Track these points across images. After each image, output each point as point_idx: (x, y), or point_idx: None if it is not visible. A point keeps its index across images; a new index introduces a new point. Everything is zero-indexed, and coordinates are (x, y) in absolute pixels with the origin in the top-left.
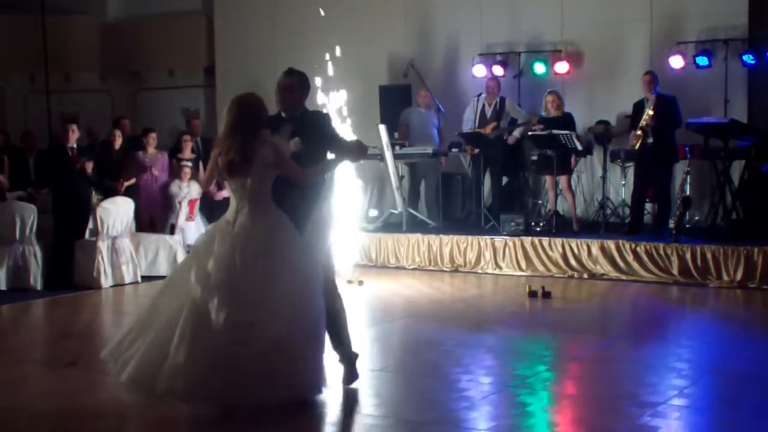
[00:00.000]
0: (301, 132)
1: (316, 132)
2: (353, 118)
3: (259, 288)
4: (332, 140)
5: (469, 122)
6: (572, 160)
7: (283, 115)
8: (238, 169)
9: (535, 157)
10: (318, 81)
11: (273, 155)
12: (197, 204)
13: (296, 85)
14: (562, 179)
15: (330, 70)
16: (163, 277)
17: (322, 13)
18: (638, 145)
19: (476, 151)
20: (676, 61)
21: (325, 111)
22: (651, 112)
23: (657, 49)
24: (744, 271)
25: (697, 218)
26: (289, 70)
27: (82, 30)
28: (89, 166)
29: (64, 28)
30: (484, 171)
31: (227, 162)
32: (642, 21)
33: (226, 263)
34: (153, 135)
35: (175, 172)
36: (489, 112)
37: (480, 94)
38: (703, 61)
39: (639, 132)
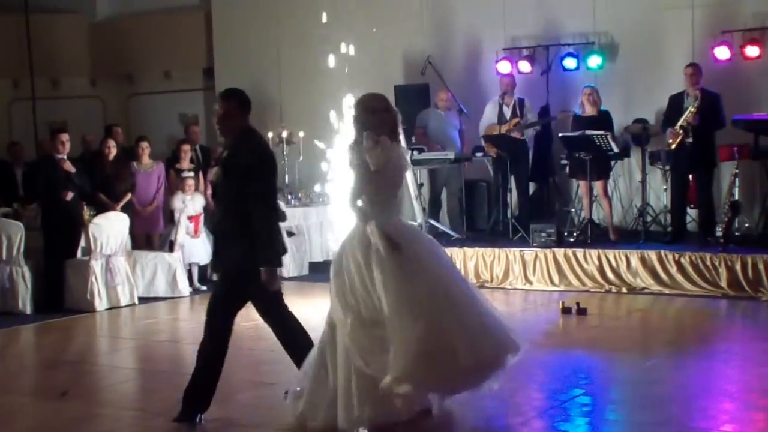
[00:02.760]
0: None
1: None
2: None
3: None
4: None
5: (487, 123)
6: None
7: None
8: None
9: (564, 161)
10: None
11: None
12: (201, 218)
13: (220, 106)
14: (598, 184)
15: (338, 68)
16: (161, 299)
17: (324, 19)
18: (675, 144)
19: (497, 152)
20: (722, 52)
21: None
22: (693, 110)
23: (700, 39)
24: None
25: (747, 225)
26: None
27: (69, 30)
28: (68, 196)
29: (49, 28)
30: (510, 177)
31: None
32: (683, 8)
33: None
34: (145, 144)
35: (174, 185)
36: (508, 113)
37: (504, 93)
38: (752, 51)
39: (679, 130)
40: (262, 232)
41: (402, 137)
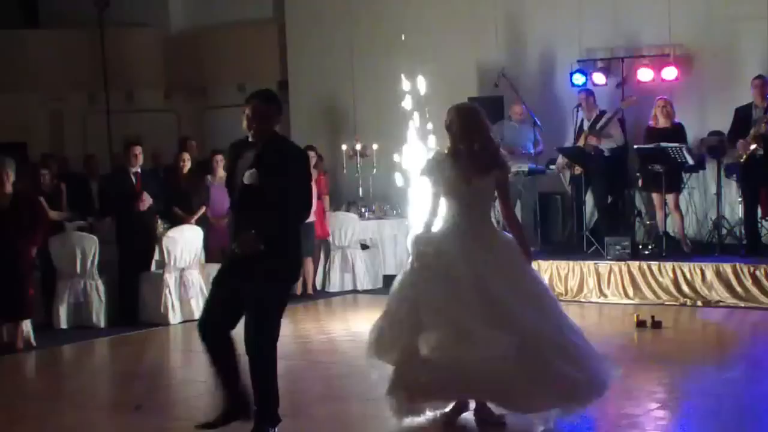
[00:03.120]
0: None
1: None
2: (441, 134)
3: None
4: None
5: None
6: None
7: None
8: None
9: (639, 173)
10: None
11: None
12: None
13: (257, 107)
14: (670, 197)
15: (413, 81)
16: None
17: (403, 37)
18: (746, 156)
19: (578, 169)
20: None
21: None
22: (765, 122)
23: None
24: None
25: None
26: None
27: (143, 43)
28: (145, 203)
29: (124, 41)
30: (585, 189)
31: None
32: (760, 18)
33: None
34: (219, 157)
35: None
36: (587, 127)
37: (579, 105)
38: None
39: (751, 141)
40: (278, 230)
41: None
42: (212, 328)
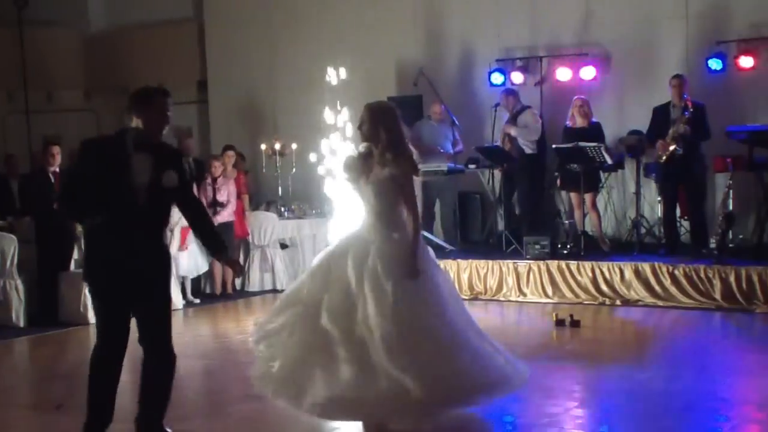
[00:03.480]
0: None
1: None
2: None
3: None
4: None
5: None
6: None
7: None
8: None
9: (557, 173)
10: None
11: None
12: (190, 231)
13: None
14: (588, 196)
15: (333, 80)
16: None
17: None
18: (666, 156)
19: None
20: (716, 63)
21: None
22: (685, 121)
23: (694, 50)
24: None
25: (741, 236)
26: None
27: (63, 43)
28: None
29: (44, 41)
30: (504, 188)
31: None
32: (677, 19)
33: None
34: None
35: None
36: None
37: (497, 104)
38: (746, 62)
39: (671, 142)
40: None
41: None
42: None
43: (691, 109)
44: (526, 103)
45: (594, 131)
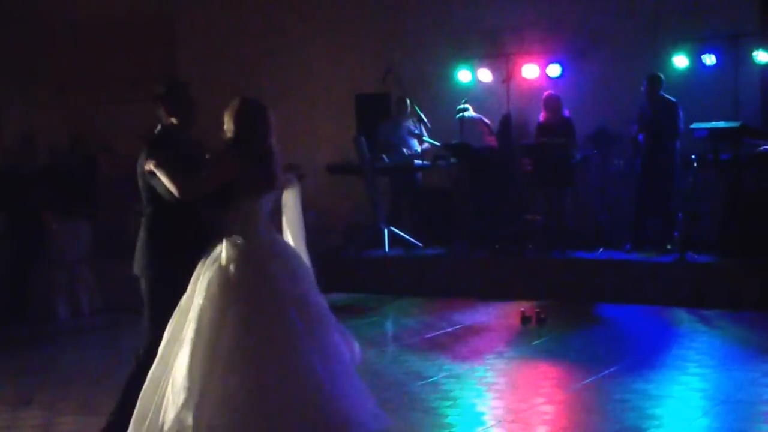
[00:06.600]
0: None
1: None
2: (328, 130)
3: None
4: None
5: None
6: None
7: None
8: None
9: (529, 168)
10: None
11: None
12: None
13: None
14: (557, 193)
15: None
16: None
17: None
18: (634, 152)
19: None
20: (681, 61)
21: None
22: (652, 118)
23: (659, 47)
24: (760, 290)
25: (705, 233)
26: None
27: None
28: None
29: None
30: (472, 185)
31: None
32: (644, 16)
33: None
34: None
35: None
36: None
37: (465, 101)
38: (710, 60)
39: (638, 140)
40: None
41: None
42: None
43: (654, 108)
44: (494, 100)
45: (565, 125)
